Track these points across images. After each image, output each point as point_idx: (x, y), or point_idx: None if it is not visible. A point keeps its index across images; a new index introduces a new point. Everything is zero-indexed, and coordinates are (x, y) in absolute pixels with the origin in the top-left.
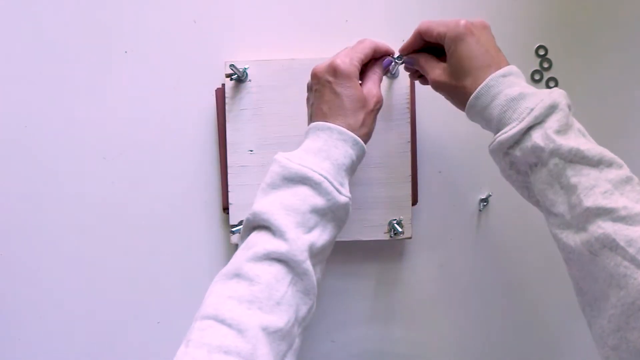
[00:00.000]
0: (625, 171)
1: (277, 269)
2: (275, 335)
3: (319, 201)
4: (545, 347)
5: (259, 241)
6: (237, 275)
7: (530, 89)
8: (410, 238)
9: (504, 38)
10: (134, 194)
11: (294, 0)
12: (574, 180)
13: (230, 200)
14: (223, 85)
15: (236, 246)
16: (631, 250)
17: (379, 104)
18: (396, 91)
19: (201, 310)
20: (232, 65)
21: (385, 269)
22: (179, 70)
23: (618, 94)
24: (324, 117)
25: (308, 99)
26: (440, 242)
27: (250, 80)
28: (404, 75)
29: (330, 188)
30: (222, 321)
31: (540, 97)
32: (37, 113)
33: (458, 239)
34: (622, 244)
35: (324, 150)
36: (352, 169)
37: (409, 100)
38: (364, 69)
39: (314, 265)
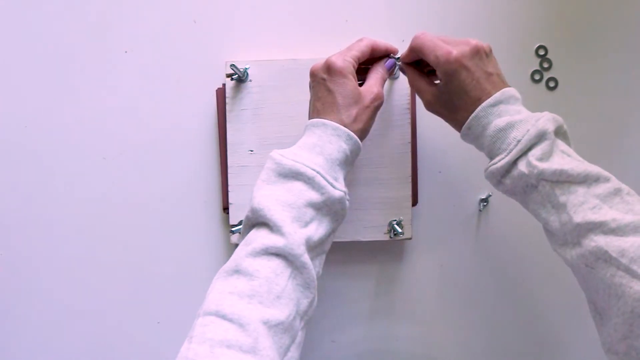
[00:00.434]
0: (612, 184)
1: (275, 263)
2: (277, 328)
3: (314, 195)
4: (545, 347)
5: (257, 237)
6: (237, 271)
7: (520, 115)
8: (410, 239)
9: (504, 38)
10: (134, 194)
11: (294, 0)
12: (562, 199)
13: (230, 200)
14: (223, 85)
15: (236, 246)
16: (624, 261)
17: (377, 101)
18: (396, 92)
19: (203, 307)
20: (232, 65)
21: (385, 269)
22: (179, 70)
23: (618, 93)
24: (318, 114)
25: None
26: (440, 242)
27: (251, 80)
28: (404, 77)
29: (324, 182)
30: (223, 316)
31: (526, 127)
32: (37, 113)
33: (458, 239)
34: (614, 255)
35: (318, 146)
36: (346, 164)
37: (409, 101)
38: (369, 69)
39: (312, 258)
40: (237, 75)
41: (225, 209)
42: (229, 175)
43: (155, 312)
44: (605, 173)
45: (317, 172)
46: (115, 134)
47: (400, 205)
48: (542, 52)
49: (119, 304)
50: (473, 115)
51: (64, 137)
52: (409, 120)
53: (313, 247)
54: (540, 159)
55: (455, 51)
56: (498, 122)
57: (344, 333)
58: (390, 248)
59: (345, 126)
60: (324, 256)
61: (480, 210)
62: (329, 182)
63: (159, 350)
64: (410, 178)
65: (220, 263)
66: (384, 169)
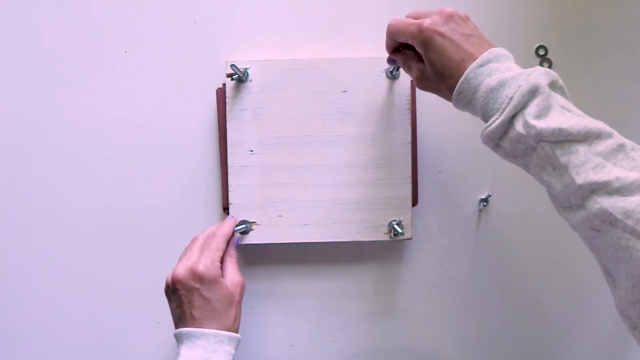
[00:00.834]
0: (615, 139)
1: None
2: None
3: None
4: (544, 346)
5: None
6: None
7: (511, 72)
8: (410, 239)
9: (504, 38)
10: (134, 194)
11: (294, 0)
12: (563, 159)
13: (230, 200)
14: (224, 85)
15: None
16: (630, 222)
17: (244, 291)
18: (397, 92)
19: None
20: (233, 65)
21: (385, 269)
22: (179, 70)
23: (618, 93)
24: (196, 323)
25: (168, 295)
26: (440, 242)
27: (251, 80)
28: (405, 76)
29: None
30: None
31: (518, 83)
32: (36, 113)
33: (458, 239)
34: (619, 216)
35: (206, 358)
36: None
37: (409, 101)
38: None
39: None
40: (237, 75)
41: (225, 209)
42: (229, 175)
43: (155, 312)
44: (608, 128)
45: None
46: (115, 134)
47: (400, 205)
48: (542, 52)
49: (118, 303)
50: (462, 78)
51: (64, 137)
52: (409, 120)
53: None
54: (538, 117)
55: (427, 21)
56: (489, 82)
57: (344, 333)
58: (390, 248)
59: (228, 329)
60: None
61: (480, 210)
62: None
63: (159, 350)
64: (410, 178)
65: None
66: (384, 169)
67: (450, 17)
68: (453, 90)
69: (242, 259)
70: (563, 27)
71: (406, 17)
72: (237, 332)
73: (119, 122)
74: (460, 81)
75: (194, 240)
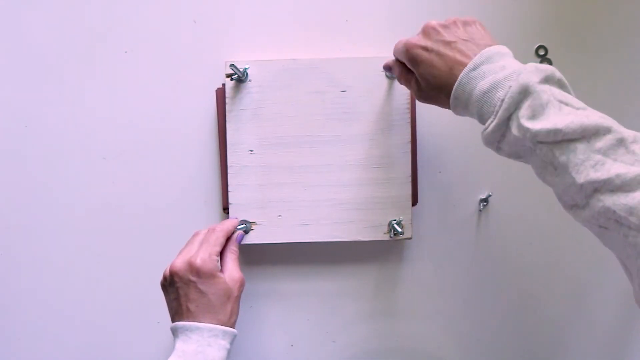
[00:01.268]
0: (614, 134)
1: None
2: None
3: None
4: (544, 346)
5: None
6: None
7: (505, 71)
8: (410, 238)
9: (504, 38)
10: (134, 194)
11: (294, 0)
12: (562, 159)
13: (230, 200)
14: (223, 85)
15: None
16: (634, 220)
17: (243, 287)
18: (396, 92)
19: None
20: (232, 65)
21: (385, 269)
22: (179, 70)
23: (618, 94)
24: (191, 316)
25: (165, 288)
26: (440, 242)
27: (250, 80)
28: None
29: None
30: None
31: (509, 84)
32: (36, 113)
33: (458, 239)
34: (623, 214)
35: (200, 352)
36: (228, 355)
37: (409, 101)
38: (223, 249)
39: None
40: (236, 75)
41: (225, 209)
42: (229, 175)
43: (155, 312)
44: (606, 123)
45: None
46: (115, 134)
47: (400, 205)
48: (542, 52)
49: (119, 303)
50: (456, 83)
51: (64, 137)
52: (409, 120)
53: None
54: (532, 118)
55: (411, 38)
56: (482, 85)
57: (344, 333)
58: (390, 248)
59: (223, 324)
60: None
61: (480, 210)
62: None
63: (159, 350)
64: (410, 178)
65: None
66: (384, 169)
67: (432, 30)
68: (449, 99)
69: (242, 259)
70: (563, 27)
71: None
72: (233, 328)
73: (119, 122)
74: (454, 87)
75: (195, 235)
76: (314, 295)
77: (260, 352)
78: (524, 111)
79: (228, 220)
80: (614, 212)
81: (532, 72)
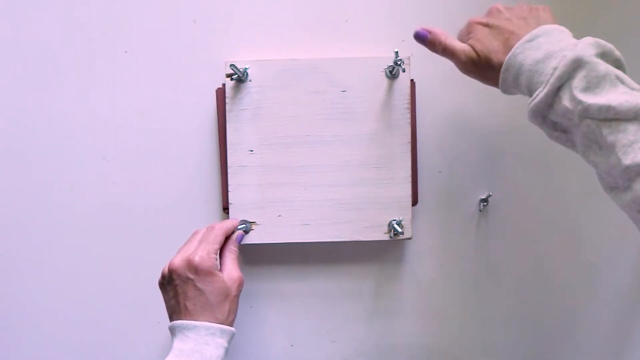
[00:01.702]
0: None
1: None
2: None
3: None
4: (544, 346)
5: None
6: None
7: (560, 43)
8: (410, 238)
9: None
10: (134, 194)
11: (293, 0)
12: (610, 138)
13: (230, 200)
14: (223, 85)
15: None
16: None
17: (242, 287)
18: (396, 91)
19: None
20: (232, 65)
21: (385, 269)
22: (179, 70)
23: None
24: (189, 315)
25: (163, 287)
26: (440, 242)
27: (250, 80)
28: (404, 76)
29: None
30: None
31: (564, 53)
32: (36, 113)
33: (458, 239)
34: None
35: (197, 351)
36: (226, 353)
37: (409, 101)
38: (222, 250)
39: None
40: (237, 75)
41: (225, 209)
42: (229, 175)
43: (155, 312)
44: None
45: None
46: (115, 134)
47: (400, 205)
48: None
49: (118, 303)
50: (510, 53)
51: (64, 137)
52: (409, 120)
53: None
54: (585, 90)
55: (472, 18)
56: (536, 54)
57: (344, 333)
58: (390, 248)
59: (221, 322)
60: None
61: (480, 210)
62: None
63: (159, 350)
64: (410, 178)
65: None
66: (384, 169)
67: (496, 10)
68: (499, 72)
69: (242, 259)
70: (562, 27)
71: None
72: (231, 326)
73: (119, 122)
74: (507, 57)
75: (194, 234)
76: (314, 295)
77: (260, 352)
78: (577, 82)
79: (228, 220)
80: None
81: (591, 44)
